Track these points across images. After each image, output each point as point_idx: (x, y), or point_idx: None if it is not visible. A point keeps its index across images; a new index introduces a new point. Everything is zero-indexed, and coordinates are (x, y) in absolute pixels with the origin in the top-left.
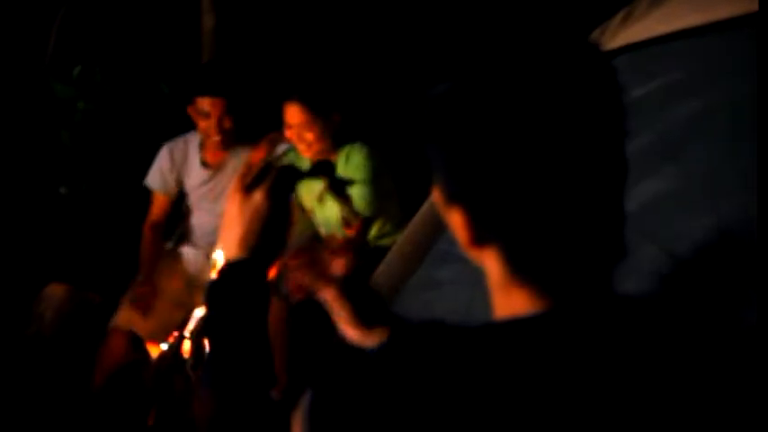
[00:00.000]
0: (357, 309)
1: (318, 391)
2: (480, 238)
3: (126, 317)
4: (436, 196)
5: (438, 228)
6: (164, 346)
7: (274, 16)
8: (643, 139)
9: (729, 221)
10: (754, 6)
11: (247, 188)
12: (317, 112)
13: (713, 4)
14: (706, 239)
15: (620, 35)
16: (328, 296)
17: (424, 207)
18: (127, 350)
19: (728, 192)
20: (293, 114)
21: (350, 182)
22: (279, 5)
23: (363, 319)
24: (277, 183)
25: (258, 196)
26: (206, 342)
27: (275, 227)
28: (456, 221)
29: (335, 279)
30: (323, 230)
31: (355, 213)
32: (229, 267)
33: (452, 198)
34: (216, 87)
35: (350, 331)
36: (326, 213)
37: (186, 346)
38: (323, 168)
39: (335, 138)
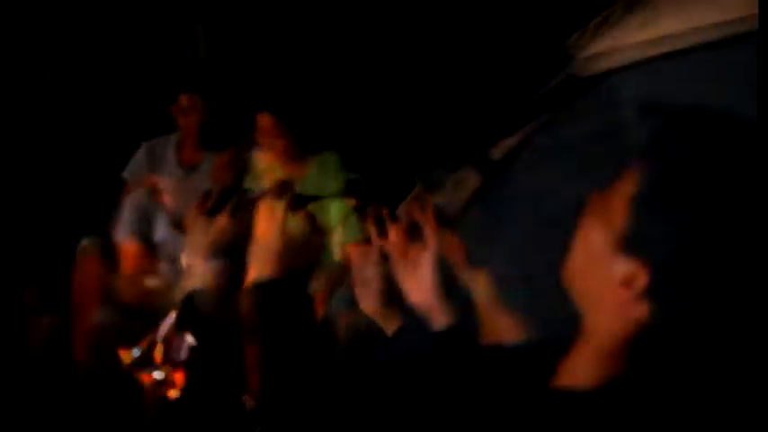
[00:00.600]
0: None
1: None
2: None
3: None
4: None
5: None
6: (135, 352)
7: (261, 31)
8: (629, 161)
9: None
10: (729, 15)
11: (293, 208)
12: (288, 122)
13: (689, 11)
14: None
15: (597, 41)
16: (430, 241)
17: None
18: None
19: None
20: (265, 123)
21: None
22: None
23: (442, 291)
24: (318, 204)
25: (301, 218)
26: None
27: (313, 248)
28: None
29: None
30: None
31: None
32: (270, 284)
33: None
34: (197, 85)
35: (425, 293)
36: (344, 235)
37: (158, 351)
38: (352, 188)
39: (307, 147)
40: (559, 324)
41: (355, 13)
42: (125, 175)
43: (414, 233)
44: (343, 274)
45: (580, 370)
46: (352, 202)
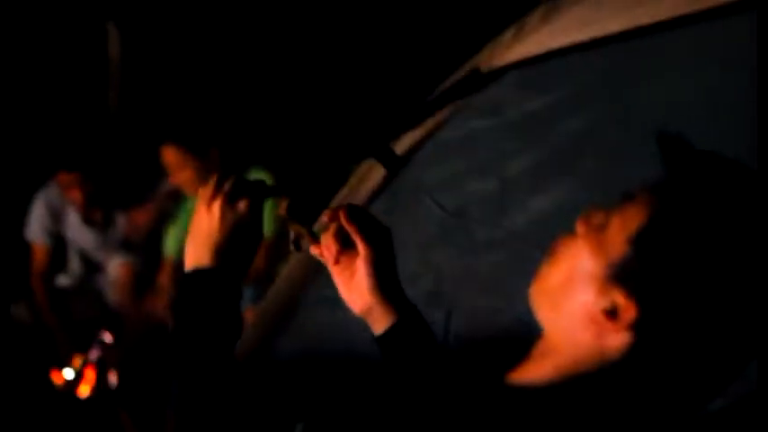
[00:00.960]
0: (379, 277)
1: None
2: None
3: None
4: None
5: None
6: (67, 373)
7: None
8: (536, 154)
9: None
10: (642, 20)
11: (230, 198)
12: (192, 151)
13: (603, 20)
14: None
15: (513, 50)
16: (360, 248)
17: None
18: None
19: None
20: (169, 156)
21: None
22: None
23: (381, 289)
24: (257, 195)
25: (242, 206)
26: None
27: (252, 239)
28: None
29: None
30: None
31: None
32: (200, 275)
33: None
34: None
35: (363, 297)
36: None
37: (89, 375)
38: (288, 187)
39: (219, 172)
40: (470, 315)
41: (256, 12)
42: (28, 236)
43: (346, 241)
44: (256, 270)
45: (543, 374)
46: (278, 202)
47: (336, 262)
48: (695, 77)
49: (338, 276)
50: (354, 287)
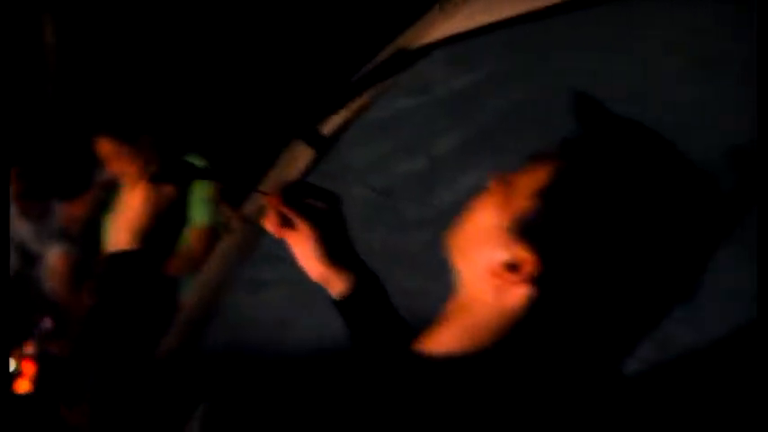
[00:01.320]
0: (328, 248)
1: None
2: None
3: None
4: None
5: (261, 229)
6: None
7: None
8: (464, 132)
9: None
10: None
11: (154, 180)
12: (125, 141)
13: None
14: None
15: (438, 28)
16: (304, 228)
17: (247, 209)
18: None
19: None
20: (103, 148)
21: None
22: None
23: (332, 259)
24: (182, 178)
25: (168, 190)
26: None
27: (177, 221)
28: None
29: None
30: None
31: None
32: (121, 257)
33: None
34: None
35: (316, 268)
36: (199, 216)
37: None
38: (216, 170)
39: (153, 159)
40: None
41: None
42: None
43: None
44: (194, 259)
45: (449, 339)
46: (211, 187)
47: (282, 236)
48: (619, 54)
49: (292, 247)
50: (307, 258)
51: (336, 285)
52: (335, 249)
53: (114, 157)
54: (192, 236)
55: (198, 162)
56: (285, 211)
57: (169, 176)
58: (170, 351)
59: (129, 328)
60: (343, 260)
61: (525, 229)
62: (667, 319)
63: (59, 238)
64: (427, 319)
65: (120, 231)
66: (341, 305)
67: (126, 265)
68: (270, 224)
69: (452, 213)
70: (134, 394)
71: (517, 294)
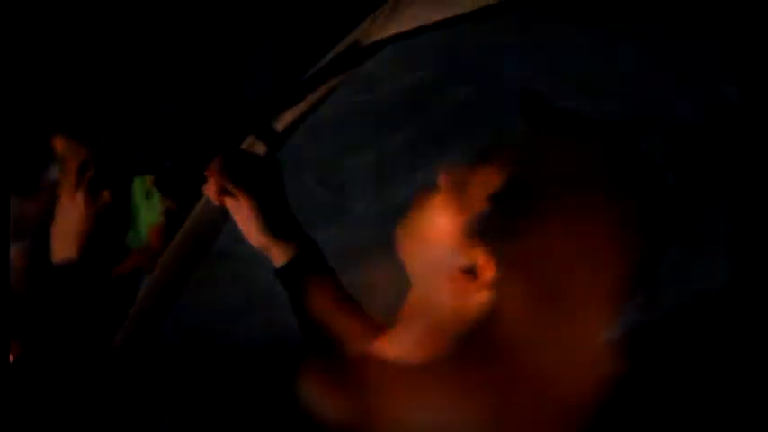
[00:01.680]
0: (267, 217)
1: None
2: None
3: None
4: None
5: (217, 225)
6: None
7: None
8: (416, 128)
9: None
10: None
11: (91, 187)
12: (77, 137)
13: None
14: None
15: (390, 24)
16: (242, 198)
17: (201, 204)
18: None
19: None
20: (58, 147)
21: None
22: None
23: (272, 229)
24: (121, 179)
25: (106, 194)
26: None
27: (119, 225)
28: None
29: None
30: (142, 236)
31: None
32: (61, 270)
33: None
34: None
35: (256, 237)
36: (149, 214)
37: None
38: (154, 164)
39: (113, 155)
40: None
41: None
42: None
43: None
44: (149, 257)
45: (404, 343)
46: (150, 178)
47: (221, 203)
48: (567, 51)
49: (233, 216)
50: (246, 226)
51: (277, 254)
52: (275, 217)
53: (70, 156)
54: (149, 234)
55: (134, 161)
56: (223, 180)
57: (108, 179)
58: (121, 345)
59: (77, 335)
60: (282, 228)
61: (482, 233)
62: (629, 311)
63: (12, 236)
64: (380, 315)
65: (58, 242)
66: (282, 274)
67: (66, 280)
68: (209, 191)
69: (403, 209)
70: (87, 387)
71: (475, 300)
